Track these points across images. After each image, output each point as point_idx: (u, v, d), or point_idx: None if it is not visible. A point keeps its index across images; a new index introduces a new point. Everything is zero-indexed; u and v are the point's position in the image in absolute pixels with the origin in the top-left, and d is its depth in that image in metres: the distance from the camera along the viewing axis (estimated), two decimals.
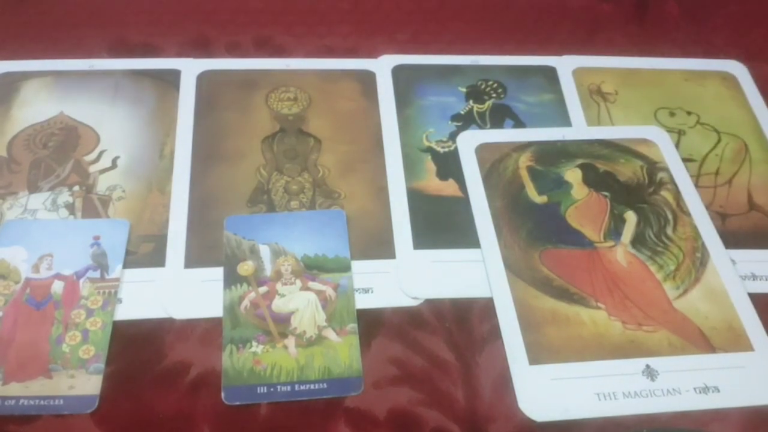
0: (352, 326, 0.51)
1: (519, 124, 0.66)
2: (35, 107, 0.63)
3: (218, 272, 0.53)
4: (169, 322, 0.52)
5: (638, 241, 0.57)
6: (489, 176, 0.60)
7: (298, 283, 0.53)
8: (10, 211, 0.56)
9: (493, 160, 0.61)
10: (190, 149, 0.61)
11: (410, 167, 0.61)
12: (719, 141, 0.66)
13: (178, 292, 0.53)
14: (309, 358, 0.49)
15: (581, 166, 0.61)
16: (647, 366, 0.50)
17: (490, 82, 0.69)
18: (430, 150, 0.63)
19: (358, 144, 0.63)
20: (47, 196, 0.57)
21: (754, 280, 0.56)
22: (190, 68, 0.67)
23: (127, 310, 0.52)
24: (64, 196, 0.57)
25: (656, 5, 0.78)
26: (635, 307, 0.53)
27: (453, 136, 0.64)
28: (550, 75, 0.70)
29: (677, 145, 0.65)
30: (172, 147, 0.61)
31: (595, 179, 0.61)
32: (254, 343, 0.50)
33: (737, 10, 0.79)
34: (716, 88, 0.71)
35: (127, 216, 0.56)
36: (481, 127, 0.65)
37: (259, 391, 0.48)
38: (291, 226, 0.56)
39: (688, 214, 0.59)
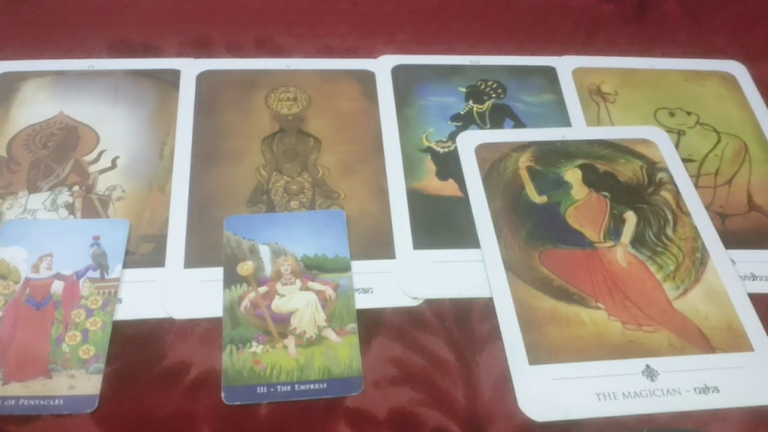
0: (352, 326, 0.51)
1: (519, 124, 0.66)
2: (35, 107, 0.63)
3: (218, 272, 0.53)
4: (169, 322, 0.52)
5: (638, 241, 0.57)
6: (489, 176, 0.60)
7: (298, 283, 0.53)
8: (9, 211, 0.56)
9: (493, 160, 0.61)
10: (190, 149, 0.61)
11: (410, 167, 0.61)
12: (719, 141, 0.66)
13: (178, 292, 0.53)
14: (309, 358, 0.49)
15: (581, 167, 0.61)
16: (647, 366, 0.50)
17: (490, 82, 0.69)
18: (430, 150, 0.63)
19: (358, 144, 0.63)
20: (47, 196, 0.57)
21: (754, 280, 0.56)
22: (190, 68, 0.67)
23: (127, 310, 0.52)
24: (64, 196, 0.57)
25: (656, 5, 0.78)
26: (635, 307, 0.53)
27: (453, 137, 0.64)
28: (550, 75, 0.70)
29: (677, 146, 0.65)
30: (172, 147, 0.61)
31: (595, 179, 0.61)
32: (254, 343, 0.50)
33: (737, 10, 0.79)
34: (716, 88, 0.71)
35: (126, 216, 0.56)
36: (481, 127, 0.65)
37: (259, 391, 0.48)
38: (291, 226, 0.56)
39: (688, 215, 0.59)
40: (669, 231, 0.58)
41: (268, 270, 0.54)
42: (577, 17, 0.77)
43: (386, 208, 0.59)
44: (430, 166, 0.62)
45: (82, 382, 0.48)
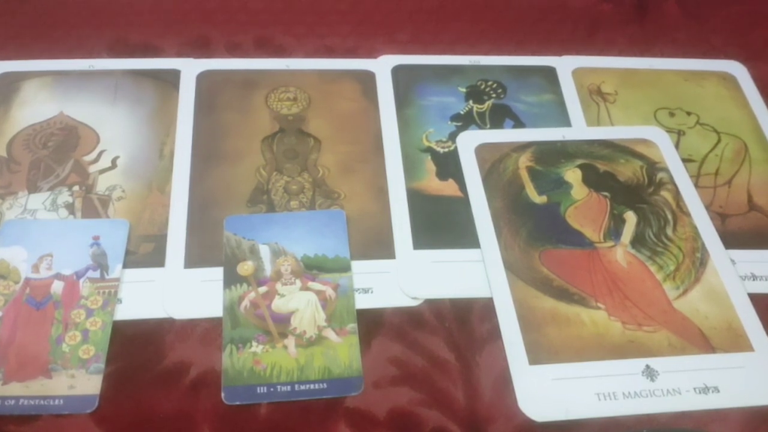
0: (352, 326, 0.51)
1: (519, 124, 0.66)
2: (35, 107, 0.63)
3: (218, 272, 0.53)
4: (169, 322, 0.52)
5: (638, 241, 0.57)
6: (489, 176, 0.60)
7: (298, 283, 0.53)
8: (9, 211, 0.56)
9: (493, 161, 0.61)
10: (190, 149, 0.61)
11: (410, 167, 0.61)
12: (719, 141, 0.66)
13: (178, 292, 0.53)
14: (309, 358, 0.49)
15: (581, 167, 0.61)
16: (647, 366, 0.50)
17: (490, 82, 0.69)
18: (429, 150, 0.63)
19: (358, 144, 0.63)
20: (47, 196, 0.57)
21: (754, 280, 0.56)
22: (190, 68, 0.67)
23: (127, 310, 0.52)
24: (64, 196, 0.57)
25: (656, 5, 0.78)
26: (635, 308, 0.53)
27: (453, 137, 0.64)
28: (550, 75, 0.70)
29: (677, 146, 0.65)
30: (172, 147, 0.61)
31: (595, 179, 0.61)
32: (254, 343, 0.50)
33: (737, 10, 0.79)
34: (716, 89, 0.71)
35: (126, 216, 0.56)
36: (480, 127, 0.65)
37: (259, 391, 0.48)
38: (291, 226, 0.56)
39: (688, 215, 0.59)
40: (669, 231, 0.58)
41: (268, 270, 0.54)
42: (577, 17, 0.77)
43: (386, 208, 0.59)
44: (430, 166, 0.62)
45: (82, 382, 0.48)
